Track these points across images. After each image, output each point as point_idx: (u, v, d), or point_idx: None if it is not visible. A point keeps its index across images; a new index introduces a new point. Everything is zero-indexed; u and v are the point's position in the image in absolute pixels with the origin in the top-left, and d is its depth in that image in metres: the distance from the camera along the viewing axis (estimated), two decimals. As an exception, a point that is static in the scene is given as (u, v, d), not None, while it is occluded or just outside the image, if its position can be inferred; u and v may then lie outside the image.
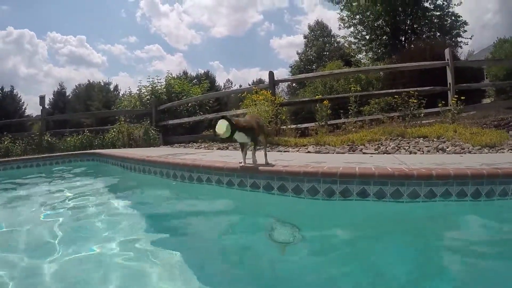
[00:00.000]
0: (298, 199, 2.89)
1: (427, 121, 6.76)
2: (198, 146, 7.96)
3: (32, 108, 38.63)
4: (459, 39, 21.17)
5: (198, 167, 3.66)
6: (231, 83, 45.85)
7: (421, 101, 6.68)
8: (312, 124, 7.32)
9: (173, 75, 14.64)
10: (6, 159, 7.27)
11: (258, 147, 3.42)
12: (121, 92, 33.80)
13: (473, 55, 22.86)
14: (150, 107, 11.57)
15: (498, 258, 2.09)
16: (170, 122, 11.15)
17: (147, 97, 12.69)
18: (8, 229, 2.87)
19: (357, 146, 5.32)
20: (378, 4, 19.83)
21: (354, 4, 21.52)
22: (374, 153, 4.78)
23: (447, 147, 4.84)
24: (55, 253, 2.22)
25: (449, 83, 7.86)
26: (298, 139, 6.31)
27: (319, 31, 36.15)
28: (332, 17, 66.10)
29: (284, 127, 7.36)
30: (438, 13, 21.16)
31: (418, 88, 7.43)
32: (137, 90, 13.28)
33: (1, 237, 2.67)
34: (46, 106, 33.37)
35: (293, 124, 8.11)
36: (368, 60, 22.18)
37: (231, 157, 4.48)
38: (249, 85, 18.55)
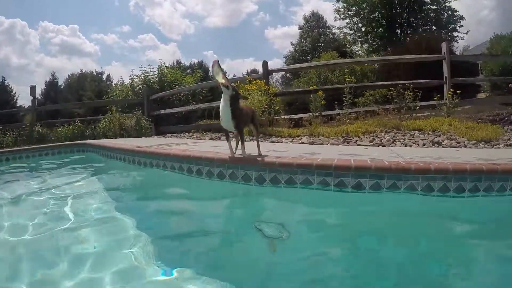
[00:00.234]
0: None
1: (422, 114, 6.70)
2: (190, 136, 7.83)
3: (24, 99, 38.17)
4: (455, 33, 21.22)
5: (188, 157, 3.53)
6: (226, 73, 45.37)
7: (417, 94, 6.60)
8: (306, 114, 7.21)
9: (166, 65, 14.37)
10: (-6, 151, 7.06)
11: (250, 138, 3.29)
12: (114, 82, 33.21)
13: (468, 50, 22.81)
14: (142, 96, 11.32)
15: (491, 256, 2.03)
16: (163, 111, 10.95)
17: (139, 86, 12.43)
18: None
19: (351, 138, 5.24)
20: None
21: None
22: (369, 145, 4.71)
23: (443, 141, 4.80)
24: (41, 249, 2.15)
25: (445, 77, 7.78)
26: (291, 130, 6.20)
27: (314, 22, 35.81)
28: (328, 8, 65.38)
29: (278, 117, 7.24)
30: (434, 7, 21.10)
31: (414, 81, 7.36)
32: (129, 79, 13.02)
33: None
34: (38, 97, 32.95)
35: (287, 115, 7.97)
36: (364, 52, 22.09)
37: (223, 148, 4.36)
38: (243, 75, 18.31)
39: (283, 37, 63.77)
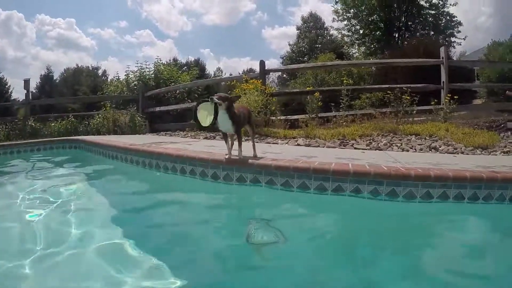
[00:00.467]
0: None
1: (418, 118, 6.67)
2: (185, 135, 7.73)
3: (19, 92, 37.45)
4: (452, 39, 21.27)
5: (182, 157, 3.44)
6: (222, 72, 45.19)
7: (414, 98, 6.56)
8: (303, 116, 7.14)
9: (163, 61, 14.26)
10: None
11: (246, 138, 3.20)
12: (110, 77, 32.92)
13: (465, 55, 22.94)
14: (137, 93, 11.19)
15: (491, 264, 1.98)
16: (157, 109, 10.84)
17: (135, 82, 12.30)
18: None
19: (348, 141, 5.18)
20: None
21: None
22: (366, 149, 4.65)
23: (440, 146, 4.77)
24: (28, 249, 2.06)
25: (443, 82, 7.75)
26: (287, 131, 6.13)
27: (312, 23, 35.78)
28: (326, 10, 65.89)
29: (274, 118, 7.15)
30: (433, 12, 21.15)
31: (412, 85, 7.33)
32: (125, 75, 12.88)
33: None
34: (33, 90, 32.59)
35: (283, 116, 7.90)
36: (361, 55, 22.10)
37: (217, 148, 4.28)
38: (239, 74, 18.25)
39: (280, 37, 63.79)
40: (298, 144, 5.09)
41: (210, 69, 44.48)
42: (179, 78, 12.96)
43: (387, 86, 7.73)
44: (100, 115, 9.68)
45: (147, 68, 12.72)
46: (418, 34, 20.52)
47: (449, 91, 7.26)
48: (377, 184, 2.47)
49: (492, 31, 46.44)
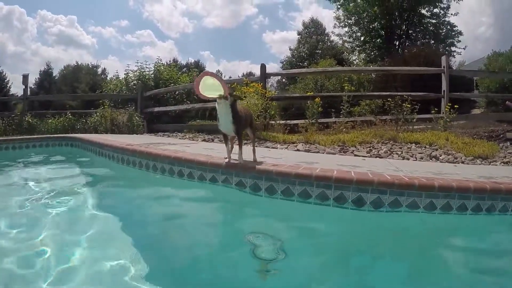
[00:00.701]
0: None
1: (418, 126, 6.64)
2: (183, 136, 7.65)
3: (18, 87, 37.36)
4: (452, 48, 21.32)
5: (180, 159, 3.36)
6: (221, 74, 45.33)
7: (414, 106, 6.54)
8: (302, 121, 7.09)
9: (164, 62, 14.22)
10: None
11: (245, 142, 3.12)
12: (109, 76, 32.79)
13: (464, 65, 23.03)
14: (136, 92, 11.12)
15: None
16: (156, 109, 10.78)
17: (134, 82, 12.24)
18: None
19: (348, 148, 5.13)
20: (376, 6, 19.73)
21: (351, 4, 21.39)
22: (366, 156, 4.60)
23: (440, 155, 4.74)
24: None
25: (443, 91, 7.74)
26: (286, 136, 6.08)
27: (313, 29, 35.85)
28: (327, 16, 65.99)
29: (273, 122, 7.11)
30: (434, 21, 21.23)
31: (412, 93, 7.31)
32: (125, 74, 12.81)
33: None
34: (32, 86, 32.48)
35: (282, 120, 7.85)
36: (361, 62, 22.13)
37: (216, 151, 4.21)
38: (238, 77, 18.27)
39: (281, 42, 63.82)
40: (298, 150, 5.04)
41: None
42: (179, 79, 12.90)
43: (388, 93, 7.70)
44: (98, 114, 9.63)
45: (147, 68, 12.67)
46: (418, 42, 20.57)
47: (449, 100, 7.26)
48: (380, 193, 2.41)
49: (491, 42, 46.80)
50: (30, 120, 9.54)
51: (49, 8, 63.11)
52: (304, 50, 34.27)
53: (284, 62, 35.77)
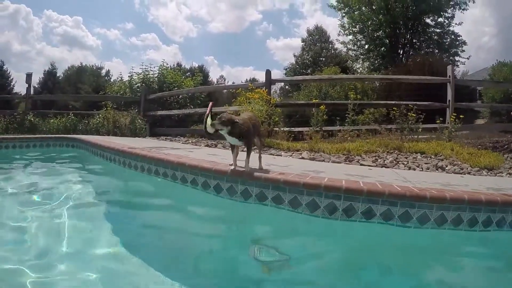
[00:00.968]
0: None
1: (422, 136, 6.58)
2: (186, 141, 7.60)
3: (21, 86, 37.18)
4: (456, 58, 21.36)
5: (183, 165, 3.28)
6: (224, 80, 45.39)
7: (420, 116, 6.48)
8: (307, 128, 7.03)
9: (169, 65, 14.22)
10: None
11: (244, 148, 3.00)
12: (113, 78, 32.88)
13: (468, 75, 23.02)
14: (140, 95, 11.11)
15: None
16: (159, 112, 10.75)
17: (138, 84, 12.23)
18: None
19: (353, 157, 5.06)
20: (381, 14, 19.80)
21: (356, 12, 21.48)
22: (372, 166, 4.54)
23: (446, 166, 4.68)
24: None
25: (449, 100, 7.70)
26: (291, 143, 6.01)
27: (317, 36, 35.94)
28: (331, 24, 66.37)
29: (277, 129, 7.06)
30: (438, 31, 21.31)
31: (418, 102, 7.25)
32: (129, 76, 12.82)
33: None
34: (35, 85, 32.53)
35: (286, 127, 7.79)
36: (365, 70, 22.17)
37: (220, 157, 4.15)
38: (242, 82, 18.27)
39: (285, 49, 63.94)
40: (303, 157, 4.97)
41: (213, 76, 44.79)
42: (183, 83, 12.88)
43: (394, 102, 7.65)
44: (100, 115, 9.62)
45: (151, 70, 12.66)
46: (422, 52, 20.61)
47: (454, 110, 7.21)
48: (390, 205, 2.34)
49: (494, 52, 46.82)
50: (32, 119, 9.53)
51: (55, 8, 63.18)
52: (308, 57, 34.33)
53: (288, 69, 35.86)
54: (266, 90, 7.31)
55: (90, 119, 9.88)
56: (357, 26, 22.29)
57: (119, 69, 68.02)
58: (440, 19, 21.00)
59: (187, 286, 1.74)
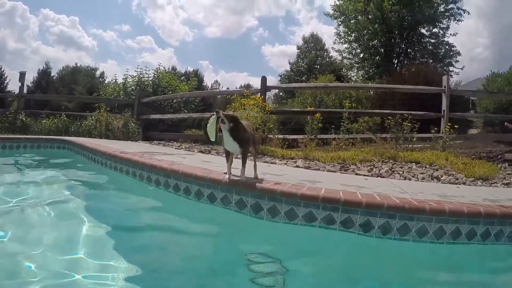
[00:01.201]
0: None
1: (417, 145, 6.58)
2: (179, 146, 7.49)
3: (15, 84, 36.72)
4: (450, 68, 21.57)
5: (176, 172, 3.19)
6: (219, 85, 45.38)
7: (414, 125, 6.48)
8: (301, 136, 6.99)
9: (164, 69, 14.14)
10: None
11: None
12: (107, 80, 32.59)
13: (461, 85, 23.23)
14: (134, 98, 10.99)
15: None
16: (152, 116, 10.63)
17: (132, 87, 12.12)
18: None
19: (348, 166, 5.02)
20: (376, 24, 19.96)
21: (352, 21, 21.62)
22: (367, 175, 4.49)
23: (441, 176, 4.69)
24: None
25: (443, 110, 7.72)
26: (285, 151, 5.95)
27: (312, 44, 36.11)
28: (326, 32, 66.80)
29: (271, 136, 7.00)
30: (433, 41, 21.52)
31: (413, 112, 7.25)
32: (123, 78, 12.69)
33: None
34: (29, 84, 32.14)
35: (280, 134, 7.74)
36: (359, 78, 22.28)
37: (214, 164, 4.07)
38: (236, 88, 18.22)
39: (279, 55, 64.23)
40: (297, 166, 4.91)
41: (208, 81, 44.67)
42: (178, 88, 12.78)
43: (389, 111, 7.66)
44: (93, 117, 9.54)
45: (146, 74, 12.55)
46: (417, 61, 20.78)
47: (448, 120, 7.24)
48: (389, 217, 2.29)
49: (488, 62, 47.53)
50: (24, 119, 9.45)
51: (52, 7, 62.96)
52: (303, 64, 34.47)
53: (283, 76, 35.93)
54: (262, 96, 7.27)
55: (83, 120, 9.77)
56: (353, 35, 22.40)
57: (114, 71, 67.97)
58: (435, 30, 21.23)
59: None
